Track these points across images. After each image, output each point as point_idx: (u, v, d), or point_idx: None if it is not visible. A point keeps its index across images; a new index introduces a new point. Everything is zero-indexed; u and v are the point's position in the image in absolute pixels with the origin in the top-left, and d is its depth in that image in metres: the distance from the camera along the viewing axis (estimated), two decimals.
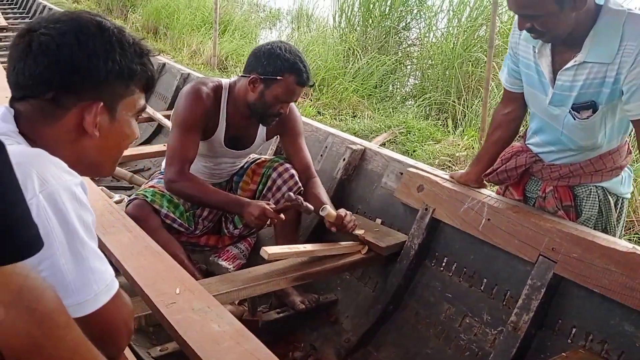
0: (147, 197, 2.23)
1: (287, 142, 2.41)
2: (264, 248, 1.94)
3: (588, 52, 1.59)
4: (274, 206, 2.15)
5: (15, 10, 8.30)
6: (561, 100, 1.68)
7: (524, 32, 1.71)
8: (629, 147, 1.83)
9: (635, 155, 1.78)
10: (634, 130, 1.63)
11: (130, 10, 9.82)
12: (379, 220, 2.33)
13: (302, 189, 2.33)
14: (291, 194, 2.14)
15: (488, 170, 1.96)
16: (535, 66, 1.73)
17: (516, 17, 1.63)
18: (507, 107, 1.95)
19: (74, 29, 1.00)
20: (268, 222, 2.13)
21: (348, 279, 2.34)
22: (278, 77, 2.12)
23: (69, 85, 1.00)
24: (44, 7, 7.77)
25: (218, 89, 2.27)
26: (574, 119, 1.67)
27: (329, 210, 2.10)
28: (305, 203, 2.12)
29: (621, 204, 1.84)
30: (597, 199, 1.78)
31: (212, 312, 1.47)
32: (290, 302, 2.23)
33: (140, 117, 1.18)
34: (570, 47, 1.63)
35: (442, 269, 2.06)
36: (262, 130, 2.38)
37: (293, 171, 2.35)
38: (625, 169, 1.82)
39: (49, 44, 0.98)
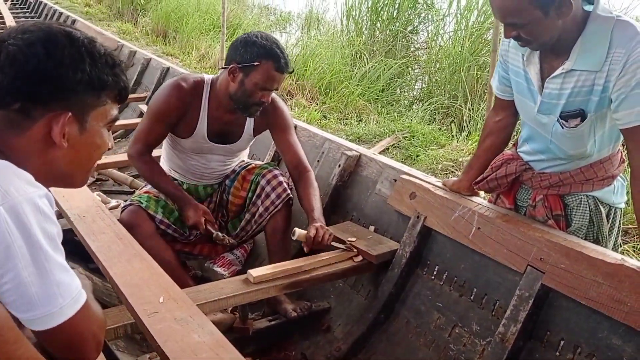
0: (141, 203, 2.24)
1: (277, 138, 2.40)
2: (250, 271, 1.95)
3: (576, 59, 1.56)
4: (212, 221, 2.32)
5: (26, 13, 8.41)
6: (549, 109, 1.65)
7: (513, 41, 1.69)
8: (622, 156, 1.79)
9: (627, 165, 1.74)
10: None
11: (140, 14, 9.91)
12: (372, 227, 2.31)
13: (290, 195, 2.33)
14: (219, 233, 2.29)
15: (478, 178, 1.94)
16: (524, 74, 1.71)
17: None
18: (499, 114, 1.93)
19: (43, 39, 1.00)
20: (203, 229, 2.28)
21: (341, 286, 2.33)
22: (255, 64, 2.13)
23: (37, 96, 1.00)
24: (55, 10, 7.86)
25: (199, 84, 2.30)
26: (562, 128, 1.65)
27: (298, 232, 2.10)
28: (230, 241, 2.33)
29: (614, 214, 1.80)
30: (587, 209, 1.75)
31: (193, 322, 1.47)
32: (282, 310, 2.22)
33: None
34: (558, 54, 1.61)
35: (433, 277, 2.04)
36: (248, 124, 2.38)
37: (282, 178, 2.35)
38: (618, 178, 1.78)
39: (17, 54, 0.98)
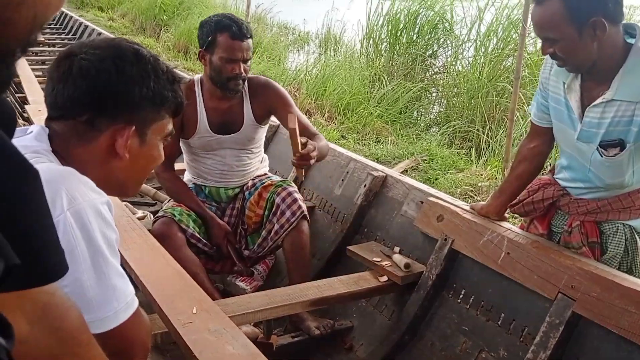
0: (175, 215, 2.28)
1: (279, 116, 2.43)
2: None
3: (616, 90, 1.58)
4: (233, 242, 2.45)
5: (52, 26, 8.57)
6: (589, 137, 1.67)
7: (555, 67, 1.73)
8: None
9: None
10: None
11: (163, 29, 10.06)
12: (397, 249, 2.32)
13: (305, 213, 2.36)
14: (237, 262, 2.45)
15: (514, 201, 1.95)
16: (565, 101, 1.73)
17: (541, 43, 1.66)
18: (533, 141, 1.95)
19: (113, 55, 1.05)
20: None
21: (364, 306, 2.34)
22: (210, 38, 2.25)
23: (105, 109, 1.05)
24: (80, 23, 8.00)
25: (190, 83, 2.41)
26: (601, 156, 1.66)
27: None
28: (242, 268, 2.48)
29: None
30: (623, 237, 1.75)
31: (227, 334, 1.48)
32: (305, 328, 2.23)
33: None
34: (598, 83, 1.64)
35: (459, 301, 2.05)
36: (247, 109, 2.43)
37: (296, 195, 2.39)
38: None
39: (89, 69, 1.03)
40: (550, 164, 2.03)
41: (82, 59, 1.04)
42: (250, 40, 2.31)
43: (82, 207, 0.95)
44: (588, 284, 1.65)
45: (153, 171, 2.41)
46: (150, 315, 1.82)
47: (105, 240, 0.98)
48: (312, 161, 2.02)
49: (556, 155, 2.02)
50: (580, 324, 1.68)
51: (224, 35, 2.24)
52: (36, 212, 0.55)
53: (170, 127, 1.15)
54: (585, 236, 1.79)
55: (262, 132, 2.55)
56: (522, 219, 2.06)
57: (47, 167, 1.00)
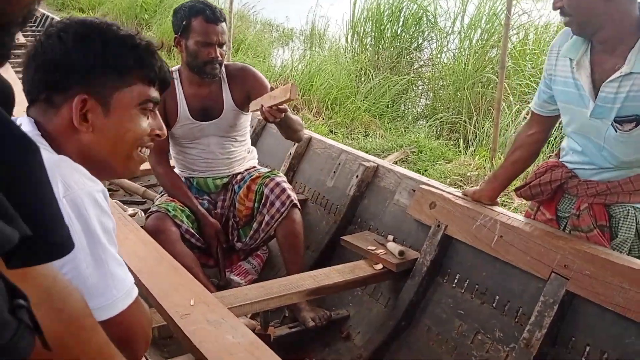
0: (169, 210, 2.28)
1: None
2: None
3: (634, 63, 1.55)
4: (222, 240, 2.45)
5: (32, 27, 8.48)
6: (603, 113, 1.63)
7: (562, 51, 1.72)
8: None
9: None
10: None
11: (145, 28, 9.99)
12: (391, 237, 2.33)
13: (294, 202, 2.37)
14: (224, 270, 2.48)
15: (520, 184, 1.93)
16: (574, 81, 1.70)
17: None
18: (532, 128, 1.93)
19: (59, 29, 1.05)
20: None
21: (360, 294, 2.35)
22: (184, 23, 2.27)
23: (55, 83, 1.04)
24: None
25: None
26: (616, 131, 1.62)
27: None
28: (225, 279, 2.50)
29: None
30: (634, 221, 1.71)
31: (226, 324, 1.48)
32: (301, 318, 2.24)
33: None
34: (610, 56, 1.61)
35: (454, 285, 2.06)
36: (226, 94, 2.45)
37: (285, 185, 2.40)
38: None
39: (37, 48, 1.05)
40: (557, 149, 2.00)
41: (35, 41, 1.05)
42: (224, 24, 2.33)
43: (78, 195, 0.94)
44: (581, 263, 1.67)
45: (146, 168, 2.43)
46: None
47: (102, 228, 0.98)
48: (277, 120, 2.10)
49: (560, 137, 1.98)
50: (575, 302, 1.70)
51: (198, 19, 2.27)
52: (41, 185, 0.54)
53: (148, 94, 1.09)
54: (594, 219, 1.74)
55: (245, 120, 2.55)
56: (528, 206, 2.03)
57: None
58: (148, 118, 1.11)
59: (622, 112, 1.60)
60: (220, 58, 2.32)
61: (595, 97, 1.64)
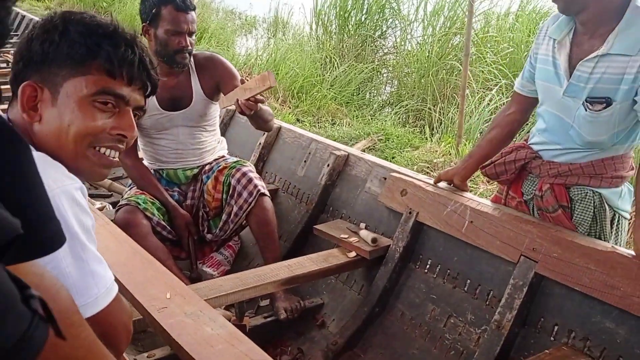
0: (139, 204, 2.24)
1: (226, 89, 2.40)
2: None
3: (612, 44, 1.59)
4: (193, 232, 2.44)
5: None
6: (576, 92, 1.68)
7: (549, 30, 1.77)
8: (632, 162, 1.79)
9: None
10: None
11: (104, 16, 9.72)
12: (363, 225, 2.36)
13: (261, 191, 2.37)
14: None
15: (486, 162, 1.97)
16: (553, 60, 1.75)
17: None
18: (511, 108, 1.98)
19: (34, 23, 1.07)
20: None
21: (334, 282, 2.37)
22: (154, 11, 2.25)
23: (18, 73, 1.03)
24: (17, 13, 7.63)
25: None
26: (586, 110, 1.66)
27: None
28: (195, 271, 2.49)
29: (618, 221, 1.79)
30: (592, 204, 1.75)
31: (204, 316, 1.48)
32: (275, 308, 2.25)
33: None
34: (590, 37, 1.66)
35: (426, 271, 2.10)
36: (195, 84, 2.43)
37: (251, 174, 2.40)
38: (626, 184, 1.78)
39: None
40: (527, 135, 2.05)
41: None
42: (194, 13, 2.31)
43: (55, 194, 0.93)
44: (548, 246, 1.72)
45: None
46: None
47: (81, 226, 0.97)
48: (252, 112, 2.09)
49: (533, 124, 2.04)
50: (543, 284, 1.76)
51: (169, 7, 2.24)
52: (32, 182, 0.54)
53: (106, 85, 1.02)
54: (556, 200, 1.80)
55: (215, 109, 2.53)
56: (497, 191, 2.08)
57: None
58: (110, 116, 1.03)
59: (594, 93, 1.64)
60: (190, 47, 2.30)
61: (570, 76, 1.69)
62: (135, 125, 1.08)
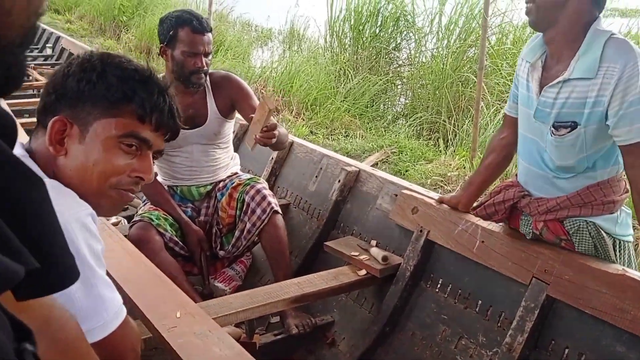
0: (152, 220, 2.27)
1: (241, 107, 2.45)
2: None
3: (573, 69, 1.61)
4: (205, 249, 2.43)
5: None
6: (543, 117, 1.69)
7: (526, 50, 1.78)
8: (625, 184, 1.74)
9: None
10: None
11: (123, 30, 9.88)
12: (374, 242, 2.36)
13: (274, 208, 2.38)
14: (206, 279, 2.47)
15: (475, 204, 1.98)
16: (527, 83, 1.76)
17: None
18: (503, 132, 1.99)
19: (71, 60, 1.10)
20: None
21: (344, 300, 2.37)
22: (171, 33, 2.29)
23: (48, 105, 1.06)
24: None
25: None
26: (552, 135, 1.67)
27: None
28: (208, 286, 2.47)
29: (621, 246, 1.72)
30: (588, 234, 1.70)
31: (213, 336, 1.49)
32: (286, 325, 2.25)
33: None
34: (557, 62, 1.67)
35: (437, 290, 2.10)
36: (210, 102, 2.46)
37: (265, 192, 2.41)
38: (623, 208, 1.74)
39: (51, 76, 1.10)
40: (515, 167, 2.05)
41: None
42: (210, 34, 2.35)
43: (66, 220, 0.95)
44: (561, 268, 1.71)
45: None
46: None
47: (91, 252, 0.98)
48: (274, 140, 2.07)
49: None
50: (555, 306, 1.74)
51: (185, 29, 2.28)
52: (47, 217, 0.55)
53: (134, 129, 1.06)
54: (554, 235, 1.77)
55: (229, 127, 2.56)
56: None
57: None
58: (132, 157, 1.07)
59: (560, 118, 1.65)
60: (206, 68, 2.34)
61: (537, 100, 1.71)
62: (153, 168, 1.11)
